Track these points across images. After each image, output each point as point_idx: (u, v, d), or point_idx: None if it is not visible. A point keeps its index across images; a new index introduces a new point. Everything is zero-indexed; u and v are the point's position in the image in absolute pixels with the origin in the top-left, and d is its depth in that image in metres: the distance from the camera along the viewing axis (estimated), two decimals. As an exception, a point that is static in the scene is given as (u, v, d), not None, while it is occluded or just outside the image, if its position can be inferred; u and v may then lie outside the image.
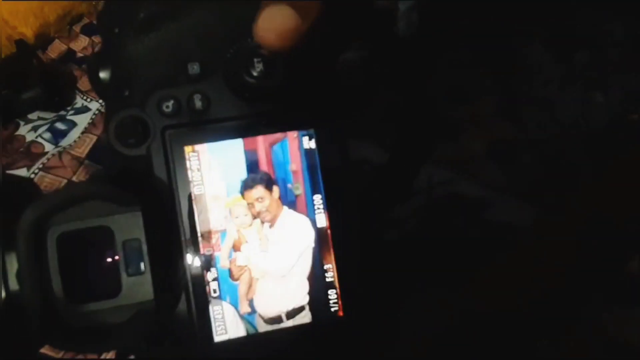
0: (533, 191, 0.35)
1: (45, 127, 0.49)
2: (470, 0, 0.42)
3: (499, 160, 0.37)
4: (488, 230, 0.32)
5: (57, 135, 0.48)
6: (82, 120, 0.48)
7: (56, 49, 0.59)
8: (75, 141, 0.45)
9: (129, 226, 0.14)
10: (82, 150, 0.44)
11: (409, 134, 0.34)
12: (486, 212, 0.33)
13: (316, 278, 0.16)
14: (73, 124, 0.48)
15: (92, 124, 0.45)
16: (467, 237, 0.32)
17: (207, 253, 0.15)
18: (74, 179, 0.43)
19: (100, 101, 0.49)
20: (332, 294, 0.16)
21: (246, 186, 0.16)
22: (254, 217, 0.16)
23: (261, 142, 0.16)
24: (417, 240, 0.32)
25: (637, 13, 0.30)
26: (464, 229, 0.32)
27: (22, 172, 0.45)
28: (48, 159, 0.43)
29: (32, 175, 0.42)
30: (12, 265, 0.13)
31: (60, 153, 0.44)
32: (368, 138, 0.36)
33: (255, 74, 0.14)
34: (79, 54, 0.58)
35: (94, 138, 0.44)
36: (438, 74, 0.44)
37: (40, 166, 0.43)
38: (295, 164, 0.16)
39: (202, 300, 0.15)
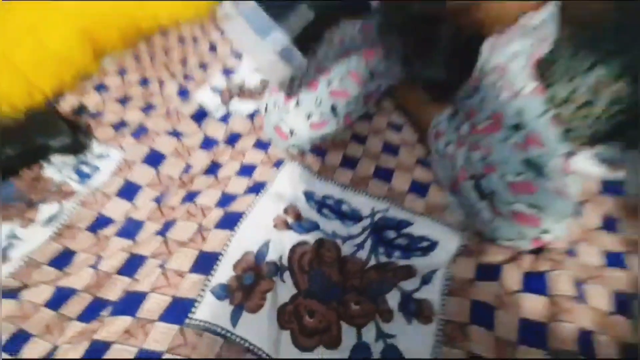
0: (442, 213, 0.54)
1: (70, 169, 0.60)
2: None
3: (418, 195, 0.56)
4: (410, 240, 0.50)
5: (83, 177, 0.59)
6: (105, 165, 0.60)
7: (68, 102, 0.71)
8: (104, 182, 0.57)
9: None
10: (112, 190, 0.56)
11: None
12: (409, 228, 0.51)
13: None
14: (96, 168, 0.60)
15: (119, 169, 0.58)
16: (396, 244, 0.50)
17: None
18: (103, 212, 0.55)
19: (122, 149, 0.61)
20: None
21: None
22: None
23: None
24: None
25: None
26: (394, 240, 0.50)
27: (55, 207, 0.55)
28: (84, 196, 0.55)
29: (72, 209, 0.53)
30: None
31: (93, 192, 0.55)
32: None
33: None
34: (92, 110, 0.70)
35: (122, 180, 0.57)
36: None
37: (78, 202, 0.54)
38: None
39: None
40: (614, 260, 0.47)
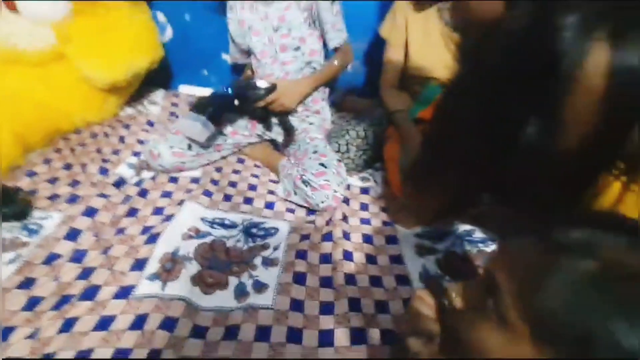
0: (283, 215, 0.95)
1: (19, 228, 0.82)
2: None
3: (269, 209, 0.97)
4: (265, 231, 0.89)
5: (31, 232, 0.82)
6: (48, 223, 0.84)
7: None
8: (52, 232, 0.81)
9: None
10: (60, 235, 0.81)
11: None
12: (263, 225, 0.91)
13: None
14: (40, 226, 0.84)
15: (63, 222, 0.83)
16: (257, 235, 0.88)
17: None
18: (54, 250, 0.78)
19: (61, 211, 0.86)
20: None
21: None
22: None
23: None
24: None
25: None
26: (256, 233, 0.89)
27: (12, 254, 0.77)
28: (39, 242, 0.78)
29: (29, 252, 0.76)
30: None
31: (46, 238, 0.79)
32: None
33: None
34: (27, 189, 0.93)
35: (67, 228, 0.82)
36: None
37: (34, 246, 0.77)
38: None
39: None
40: (366, 222, 0.95)
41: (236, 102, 1.00)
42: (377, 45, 1.30)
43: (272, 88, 1.01)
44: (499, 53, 0.38)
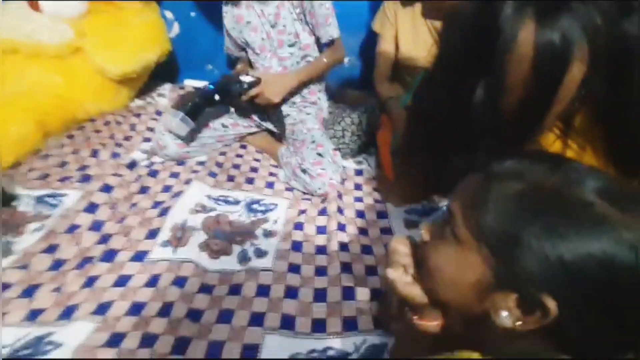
0: (282, 193, 1.03)
1: (42, 204, 0.90)
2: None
3: (269, 188, 1.04)
4: (265, 207, 0.97)
5: (53, 207, 0.90)
6: (67, 200, 0.92)
7: (23, 169, 1.01)
8: (73, 205, 0.89)
9: None
10: (80, 208, 0.89)
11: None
12: (264, 202, 0.98)
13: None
14: (61, 202, 0.92)
15: (82, 197, 0.91)
16: (258, 210, 0.96)
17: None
18: (75, 222, 0.86)
19: (79, 190, 0.94)
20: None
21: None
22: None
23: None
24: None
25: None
26: (257, 208, 0.97)
27: (37, 224, 0.85)
28: (61, 213, 0.86)
29: (52, 222, 0.84)
30: None
31: (67, 210, 0.88)
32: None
33: None
34: (46, 170, 1.02)
35: (86, 202, 0.90)
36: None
37: (58, 215, 0.86)
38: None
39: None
40: (359, 200, 1.03)
41: (217, 97, 1.04)
42: (371, 39, 1.39)
43: (255, 82, 1.04)
44: (459, 32, 0.46)
